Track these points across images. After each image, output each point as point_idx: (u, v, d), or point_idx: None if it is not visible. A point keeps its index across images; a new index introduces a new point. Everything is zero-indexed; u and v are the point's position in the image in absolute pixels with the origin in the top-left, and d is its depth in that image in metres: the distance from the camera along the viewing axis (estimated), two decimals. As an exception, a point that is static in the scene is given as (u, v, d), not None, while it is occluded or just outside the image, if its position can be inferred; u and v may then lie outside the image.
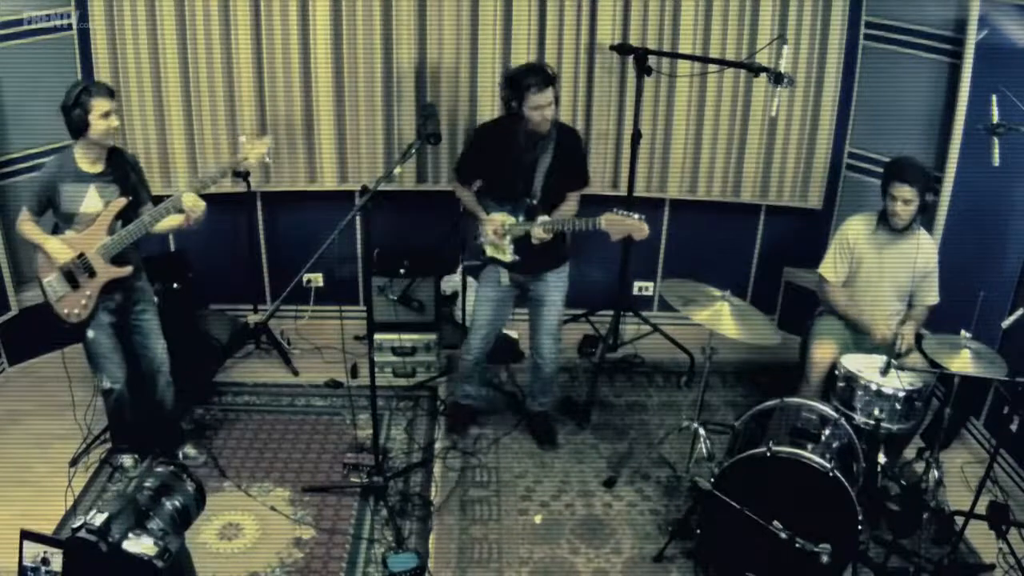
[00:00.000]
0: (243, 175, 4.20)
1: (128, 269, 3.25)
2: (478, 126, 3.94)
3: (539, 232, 3.39)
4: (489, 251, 3.59)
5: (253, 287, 4.69)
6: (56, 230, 3.24)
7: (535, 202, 3.47)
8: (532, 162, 3.43)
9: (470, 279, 4.37)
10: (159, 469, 2.49)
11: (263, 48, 4.20)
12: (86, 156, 3.14)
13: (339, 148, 4.44)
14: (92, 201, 3.15)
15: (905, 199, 3.41)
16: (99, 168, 3.16)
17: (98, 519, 2.15)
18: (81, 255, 3.17)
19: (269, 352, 4.53)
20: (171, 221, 3.23)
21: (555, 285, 3.63)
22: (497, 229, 3.49)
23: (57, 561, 2.16)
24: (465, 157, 3.67)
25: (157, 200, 3.27)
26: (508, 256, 3.55)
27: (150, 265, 3.56)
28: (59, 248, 3.15)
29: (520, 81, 3.25)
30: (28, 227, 3.19)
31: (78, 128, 3.04)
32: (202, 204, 3.17)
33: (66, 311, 3.22)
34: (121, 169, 3.21)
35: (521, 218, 3.48)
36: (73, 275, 3.18)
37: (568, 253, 3.67)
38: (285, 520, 3.33)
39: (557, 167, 3.46)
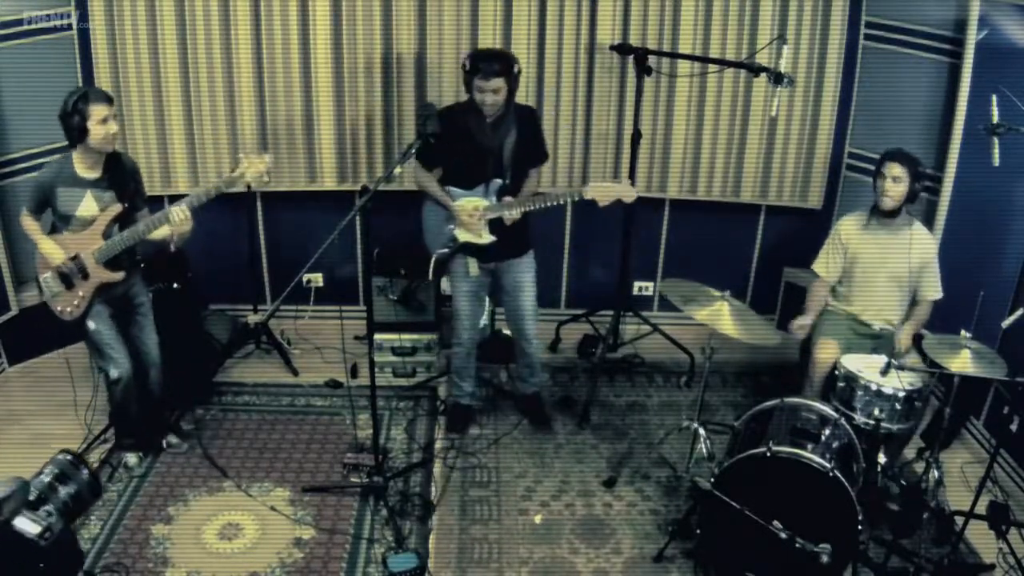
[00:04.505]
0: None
1: (120, 275, 3.29)
2: (440, 108, 3.93)
3: (514, 213, 3.46)
4: (463, 237, 3.56)
5: (253, 287, 4.68)
6: (54, 228, 3.27)
7: (507, 182, 3.52)
8: (498, 143, 3.47)
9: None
10: (59, 458, 2.65)
11: (263, 48, 4.20)
12: (84, 162, 3.16)
13: (339, 148, 4.44)
14: (88, 206, 3.19)
15: (894, 176, 3.46)
16: (96, 174, 3.18)
17: None
18: (76, 256, 3.20)
19: (269, 352, 4.53)
20: (160, 231, 3.25)
21: (527, 269, 3.70)
22: (472, 213, 3.50)
23: None
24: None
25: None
26: (485, 239, 3.55)
27: (150, 265, 3.57)
28: (52, 249, 3.20)
29: (472, 62, 3.34)
30: (28, 223, 3.27)
31: (77, 135, 3.05)
32: (189, 224, 3.19)
33: (59, 309, 3.28)
34: (119, 175, 3.23)
35: (494, 199, 3.51)
36: (67, 275, 3.22)
37: (532, 241, 3.73)
38: (285, 520, 3.33)
39: (522, 145, 3.52)
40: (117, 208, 3.22)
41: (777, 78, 3.70)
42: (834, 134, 4.47)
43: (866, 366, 3.26)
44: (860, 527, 2.81)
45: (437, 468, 3.68)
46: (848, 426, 3.12)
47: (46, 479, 2.62)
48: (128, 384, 3.38)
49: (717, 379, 4.43)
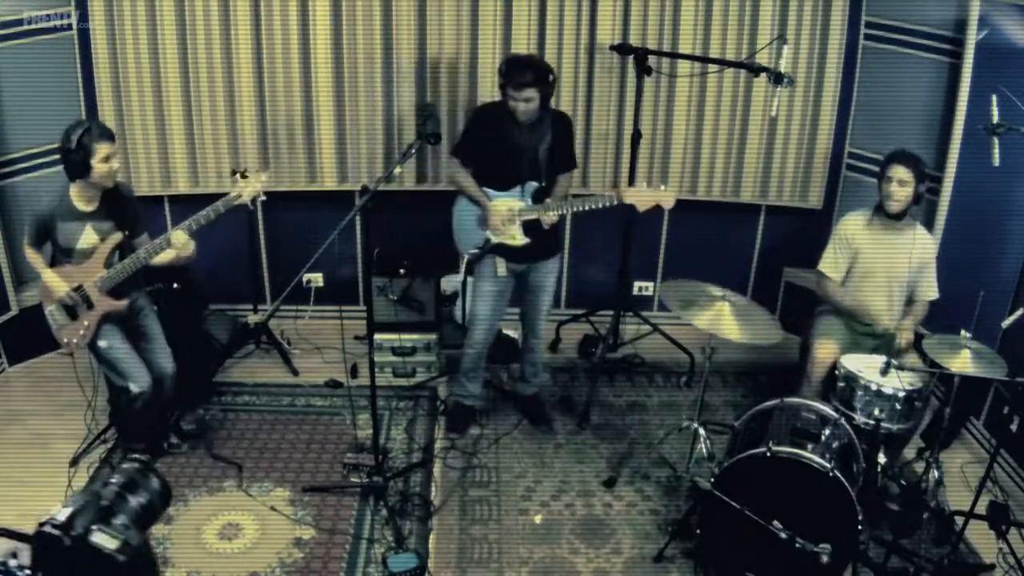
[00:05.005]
0: (243, 173, 4.20)
1: (124, 304, 3.30)
2: (479, 105, 3.94)
3: (551, 216, 3.46)
4: (496, 238, 3.54)
5: (253, 287, 4.68)
6: (54, 260, 3.28)
7: (543, 184, 3.53)
8: (534, 146, 3.48)
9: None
10: (125, 466, 2.62)
11: (263, 48, 4.20)
12: (82, 195, 3.16)
13: (339, 148, 4.44)
14: (89, 237, 3.20)
15: (901, 180, 3.46)
16: (94, 206, 3.19)
17: (62, 515, 2.25)
18: (79, 287, 3.21)
19: (269, 352, 4.53)
20: (164, 256, 3.27)
21: (552, 272, 3.73)
22: (504, 216, 3.50)
23: (25, 555, 2.25)
24: (467, 136, 3.63)
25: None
26: (519, 240, 3.55)
27: (150, 266, 3.57)
28: (56, 281, 3.21)
29: (505, 71, 3.35)
30: (30, 254, 3.28)
31: (80, 170, 3.04)
32: (191, 246, 3.21)
33: (66, 340, 3.29)
34: (117, 204, 3.24)
35: (529, 201, 3.52)
36: (71, 306, 3.24)
37: (562, 242, 3.72)
38: (285, 520, 3.33)
39: (556, 149, 3.53)
40: (118, 237, 3.24)
41: (777, 78, 3.70)
42: (834, 134, 4.46)
43: (866, 366, 3.26)
44: (860, 527, 2.81)
45: (437, 468, 3.69)
46: (848, 426, 3.12)
47: (115, 488, 2.57)
48: (148, 397, 3.37)
49: (717, 379, 4.43)
